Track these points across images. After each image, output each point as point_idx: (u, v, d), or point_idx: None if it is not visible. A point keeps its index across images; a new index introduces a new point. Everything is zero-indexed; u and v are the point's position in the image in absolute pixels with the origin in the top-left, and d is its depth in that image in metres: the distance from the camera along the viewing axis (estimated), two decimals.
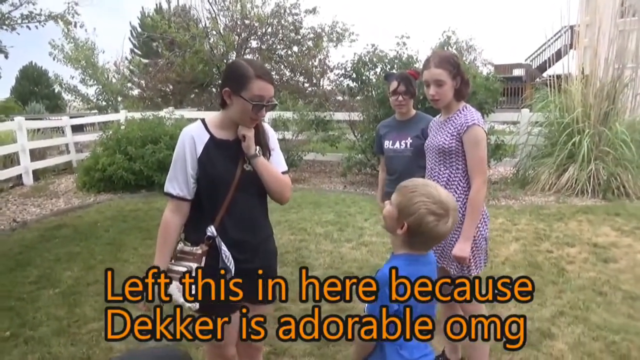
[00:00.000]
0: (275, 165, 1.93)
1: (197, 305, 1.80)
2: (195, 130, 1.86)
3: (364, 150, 7.83)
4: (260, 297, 1.97)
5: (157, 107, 11.46)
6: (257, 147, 1.87)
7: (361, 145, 7.93)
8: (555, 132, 7.26)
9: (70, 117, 11.33)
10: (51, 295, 3.77)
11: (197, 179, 1.84)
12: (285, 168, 2.01)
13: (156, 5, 20.14)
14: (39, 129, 10.37)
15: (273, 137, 2.01)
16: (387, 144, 3.02)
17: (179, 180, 1.84)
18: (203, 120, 1.90)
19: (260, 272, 1.93)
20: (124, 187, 7.55)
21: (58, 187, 8.33)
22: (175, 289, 1.79)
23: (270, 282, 2.01)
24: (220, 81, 1.89)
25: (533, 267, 4.06)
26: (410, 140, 2.91)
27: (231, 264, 1.82)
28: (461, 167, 2.28)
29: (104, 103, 16.14)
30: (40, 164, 9.12)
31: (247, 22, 11.67)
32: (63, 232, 5.47)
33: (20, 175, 8.52)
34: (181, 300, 1.78)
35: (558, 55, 11.07)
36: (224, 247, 1.82)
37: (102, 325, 3.24)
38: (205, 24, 12.28)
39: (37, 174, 8.93)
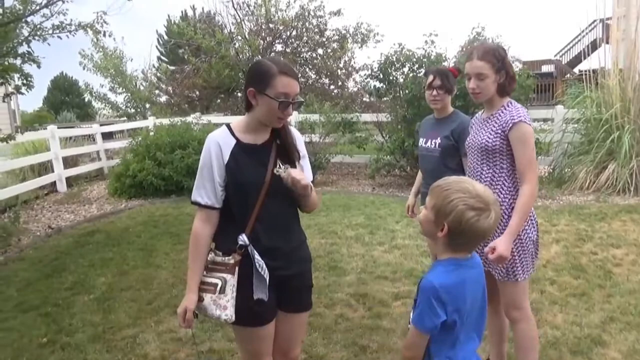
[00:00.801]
0: (306, 172, 1.86)
1: (232, 317, 1.73)
2: (220, 136, 1.80)
3: (392, 151, 7.70)
4: (295, 305, 1.90)
5: (185, 113, 11.57)
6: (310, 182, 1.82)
7: (390, 146, 7.80)
8: (592, 128, 6.99)
9: (100, 125, 11.55)
10: (86, 301, 3.79)
11: (225, 186, 1.78)
12: (312, 177, 1.93)
13: (182, 12, 20.46)
14: (70, 137, 10.61)
15: (300, 141, 1.93)
16: (421, 141, 2.93)
17: (207, 189, 1.78)
18: (228, 125, 1.85)
19: (294, 279, 1.87)
20: (154, 192, 7.62)
21: (90, 193, 8.48)
22: (210, 303, 1.75)
23: (306, 290, 1.94)
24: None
25: (577, 269, 3.87)
26: (439, 141, 2.79)
27: (265, 273, 1.74)
28: (505, 166, 2.15)
29: (132, 110, 16.42)
30: (73, 171, 9.31)
31: (271, 26, 11.68)
32: (96, 237, 5.53)
33: (54, 182, 8.72)
34: (217, 313, 1.73)
35: (592, 49, 10.69)
36: (257, 256, 1.74)
37: (137, 331, 3.23)
38: (231, 29, 12.35)
39: (70, 181, 9.12)
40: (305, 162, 1.92)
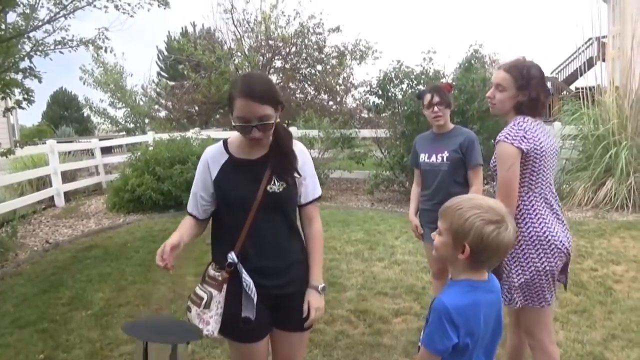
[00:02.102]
0: (310, 191, 1.87)
1: (214, 333, 1.72)
2: (212, 152, 1.83)
3: (391, 167, 7.73)
4: (293, 325, 1.85)
5: (184, 128, 11.62)
6: (322, 284, 1.86)
7: (389, 162, 7.82)
8: (589, 145, 7.04)
9: (99, 140, 11.58)
10: (84, 317, 3.75)
11: (216, 200, 1.80)
12: (318, 194, 1.91)
13: (182, 29, 20.66)
14: (69, 152, 10.61)
15: (304, 161, 1.86)
16: (423, 157, 2.94)
17: (196, 203, 1.83)
18: (225, 141, 1.86)
19: (291, 298, 1.83)
20: (152, 207, 7.60)
21: (88, 208, 8.45)
22: (195, 315, 1.74)
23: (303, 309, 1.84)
24: None
25: (578, 286, 3.86)
26: (447, 154, 2.82)
27: (252, 292, 1.71)
28: None
29: (131, 125, 16.50)
30: (71, 186, 9.30)
31: (271, 42, 11.81)
32: (94, 253, 5.50)
33: (52, 197, 8.69)
34: (200, 326, 1.72)
35: (588, 66, 10.82)
36: (245, 275, 1.71)
37: (134, 347, 3.19)
38: (230, 46, 12.49)
39: (68, 196, 9.09)
40: (310, 180, 1.87)
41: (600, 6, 8.37)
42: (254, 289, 1.71)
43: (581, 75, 11.40)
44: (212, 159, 1.80)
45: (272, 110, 1.68)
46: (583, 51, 15.21)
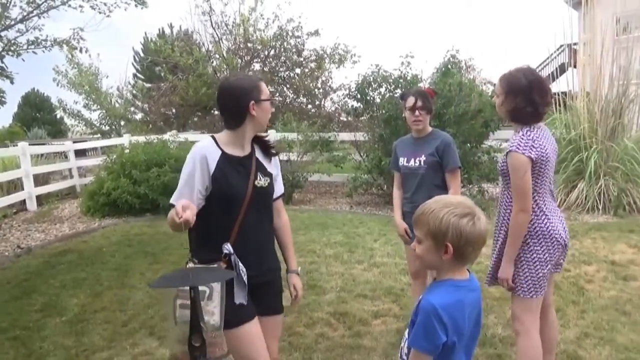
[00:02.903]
0: (279, 187, 2.07)
1: (219, 322, 1.71)
2: (206, 146, 1.88)
3: (370, 170, 7.78)
4: (270, 309, 2.02)
5: (161, 131, 11.49)
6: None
7: (367, 165, 7.88)
8: (561, 148, 7.22)
9: (73, 142, 11.34)
10: (58, 323, 3.66)
11: (209, 196, 1.84)
12: (283, 191, 2.11)
13: (159, 30, 20.43)
14: (42, 154, 10.36)
15: (275, 160, 2.07)
16: (402, 161, 2.98)
17: (185, 195, 1.81)
18: (213, 137, 1.92)
19: (267, 286, 1.99)
20: (128, 211, 7.48)
21: (62, 212, 8.26)
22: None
23: (277, 294, 2.07)
24: (220, 104, 1.97)
25: None
26: (424, 158, 2.87)
27: (246, 279, 1.83)
28: None
29: (107, 127, 16.20)
30: (43, 189, 9.08)
31: (250, 45, 11.78)
32: (68, 257, 5.38)
33: (24, 200, 8.47)
34: (206, 319, 1.68)
35: (560, 72, 11.11)
36: (240, 264, 1.82)
37: (111, 354, 3.14)
38: (209, 48, 12.40)
39: (40, 199, 8.87)
40: (279, 179, 2.08)
41: (571, 14, 8.63)
42: (246, 275, 1.83)
43: (554, 80, 11.67)
44: (209, 154, 1.85)
45: None
46: (556, 57, 15.62)
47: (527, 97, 2.18)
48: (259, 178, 1.90)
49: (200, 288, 1.70)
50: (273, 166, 2.02)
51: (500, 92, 2.26)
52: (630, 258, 4.56)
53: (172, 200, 1.84)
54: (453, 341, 1.37)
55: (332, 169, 8.73)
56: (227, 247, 1.82)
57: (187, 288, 1.56)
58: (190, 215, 1.63)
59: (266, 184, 1.93)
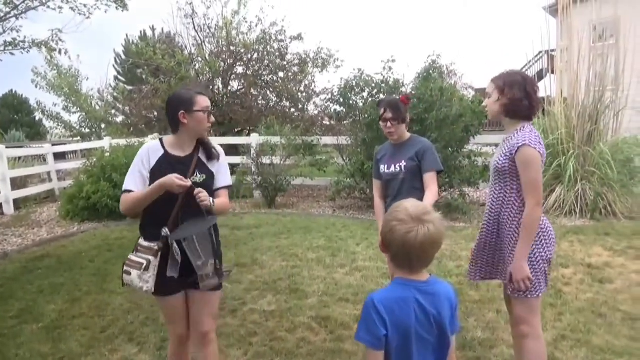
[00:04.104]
0: (222, 180, 2.39)
1: (152, 289, 2.18)
2: (152, 146, 2.29)
3: (352, 174, 7.81)
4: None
5: (142, 134, 11.35)
6: (211, 200, 2.25)
7: (350, 169, 7.91)
8: None
9: (52, 145, 11.14)
10: (34, 330, 3.59)
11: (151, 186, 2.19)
12: (230, 182, 2.44)
13: (141, 32, 20.21)
14: (20, 157, 10.16)
15: (221, 162, 2.41)
16: (383, 168, 3.00)
17: (136, 181, 2.22)
18: (161, 139, 2.32)
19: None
20: (108, 215, 7.37)
21: (40, 216, 8.11)
22: (136, 277, 2.17)
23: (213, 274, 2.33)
24: (165, 112, 2.38)
25: None
26: (404, 163, 2.89)
27: (179, 257, 2.15)
28: (515, 187, 2.27)
29: (87, 130, 15.96)
30: (21, 193, 8.90)
31: (232, 48, 11.70)
32: (46, 262, 5.28)
33: (0, 204, 8.29)
34: (140, 284, 2.17)
35: (539, 78, 11.31)
36: (175, 244, 2.15)
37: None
38: (191, 51, 12.30)
39: (17, 203, 8.70)
40: (223, 174, 2.40)
41: (549, 21, 8.82)
42: (180, 254, 2.15)
43: None
44: (152, 153, 2.26)
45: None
46: (534, 64, 15.91)
47: (523, 90, 2.26)
48: (195, 174, 2.27)
49: (139, 260, 2.20)
50: (216, 165, 2.37)
51: (494, 89, 2.32)
52: (606, 261, 4.66)
53: (125, 187, 2.22)
54: (394, 336, 1.42)
55: (315, 173, 8.75)
56: (165, 231, 2.18)
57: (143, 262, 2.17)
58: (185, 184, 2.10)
59: (202, 180, 2.28)
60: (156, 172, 2.19)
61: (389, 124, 2.88)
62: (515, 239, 2.25)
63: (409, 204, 1.48)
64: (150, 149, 2.26)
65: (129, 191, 2.20)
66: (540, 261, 2.24)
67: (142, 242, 2.25)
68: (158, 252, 2.19)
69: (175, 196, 2.17)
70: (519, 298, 2.28)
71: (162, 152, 2.25)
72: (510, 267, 2.26)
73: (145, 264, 2.16)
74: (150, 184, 2.17)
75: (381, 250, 1.54)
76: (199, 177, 2.27)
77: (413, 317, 1.44)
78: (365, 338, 1.43)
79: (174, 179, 2.08)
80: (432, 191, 2.84)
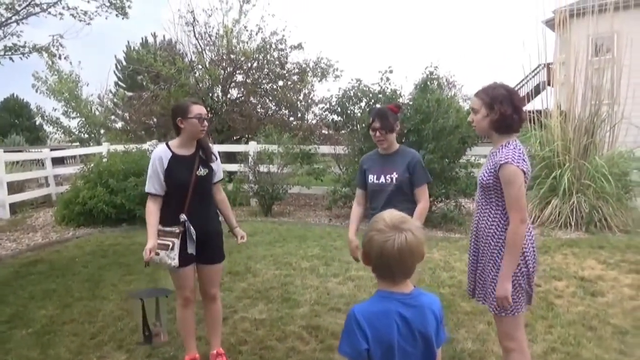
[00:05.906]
0: (218, 175, 2.97)
1: (177, 264, 2.73)
2: (161, 151, 2.79)
3: (349, 183, 7.82)
4: (210, 259, 2.95)
5: (141, 140, 11.37)
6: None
7: (346, 178, 7.93)
8: (536, 165, 7.37)
9: (51, 150, 11.16)
10: (24, 335, 3.58)
11: (167, 183, 2.75)
12: (222, 177, 3.03)
13: (142, 39, 20.33)
14: (17, 162, 10.17)
15: (217, 160, 2.96)
16: (372, 178, 2.97)
17: (156, 184, 2.77)
18: (167, 144, 2.84)
19: (209, 242, 2.90)
20: (104, 221, 7.37)
21: (36, 221, 8.11)
22: (164, 256, 2.69)
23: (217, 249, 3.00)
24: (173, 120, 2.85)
25: None
26: (396, 175, 2.88)
27: (194, 237, 2.78)
28: (501, 203, 2.24)
29: (86, 135, 16.00)
30: (17, 197, 8.91)
31: (232, 56, 11.77)
32: (39, 268, 5.27)
33: None
34: (168, 262, 2.70)
35: (537, 91, 11.36)
36: (191, 228, 2.76)
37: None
38: (191, 58, 12.36)
39: (14, 207, 8.70)
40: (218, 170, 2.97)
41: (547, 35, 8.88)
42: (195, 235, 2.77)
43: (530, 99, 11.95)
44: (163, 156, 2.76)
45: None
46: (532, 77, 16.00)
47: (511, 103, 2.23)
48: (200, 169, 2.80)
49: (166, 242, 2.71)
50: (214, 163, 2.90)
51: (480, 105, 2.27)
52: (599, 274, 4.66)
53: (147, 190, 2.78)
54: (376, 350, 1.39)
55: (312, 182, 8.76)
56: (183, 216, 2.76)
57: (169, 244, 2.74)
58: (150, 257, 2.66)
59: (205, 173, 2.82)
60: (170, 172, 2.74)
61: (377, 133, 2.89)
62: (498, 258, 2.22)
63: (387, 214, 1.48)
64: (162, 153, 2.76)
65: (150, 194, 2.77)
66: (521, 278, 2.21)
67: (162, 228, 2.73)
68: (179, 235, 2.73)
69: (186, 190, 2.73)
70: (500, 316, 2.27)
71: (170, 154, 2.77)
72: (491, 288, 2.24)
73: (171, 245, 2.70)
74: (168, 180, 2.74)
75: (364, 263, 1.52)
76: (202, 171, 2.80)
77: (395, 331, 1.41)
78: (347, 351, 1.42)
79: (146, 248, 2.64)
80: (424, 205, 2.88)
